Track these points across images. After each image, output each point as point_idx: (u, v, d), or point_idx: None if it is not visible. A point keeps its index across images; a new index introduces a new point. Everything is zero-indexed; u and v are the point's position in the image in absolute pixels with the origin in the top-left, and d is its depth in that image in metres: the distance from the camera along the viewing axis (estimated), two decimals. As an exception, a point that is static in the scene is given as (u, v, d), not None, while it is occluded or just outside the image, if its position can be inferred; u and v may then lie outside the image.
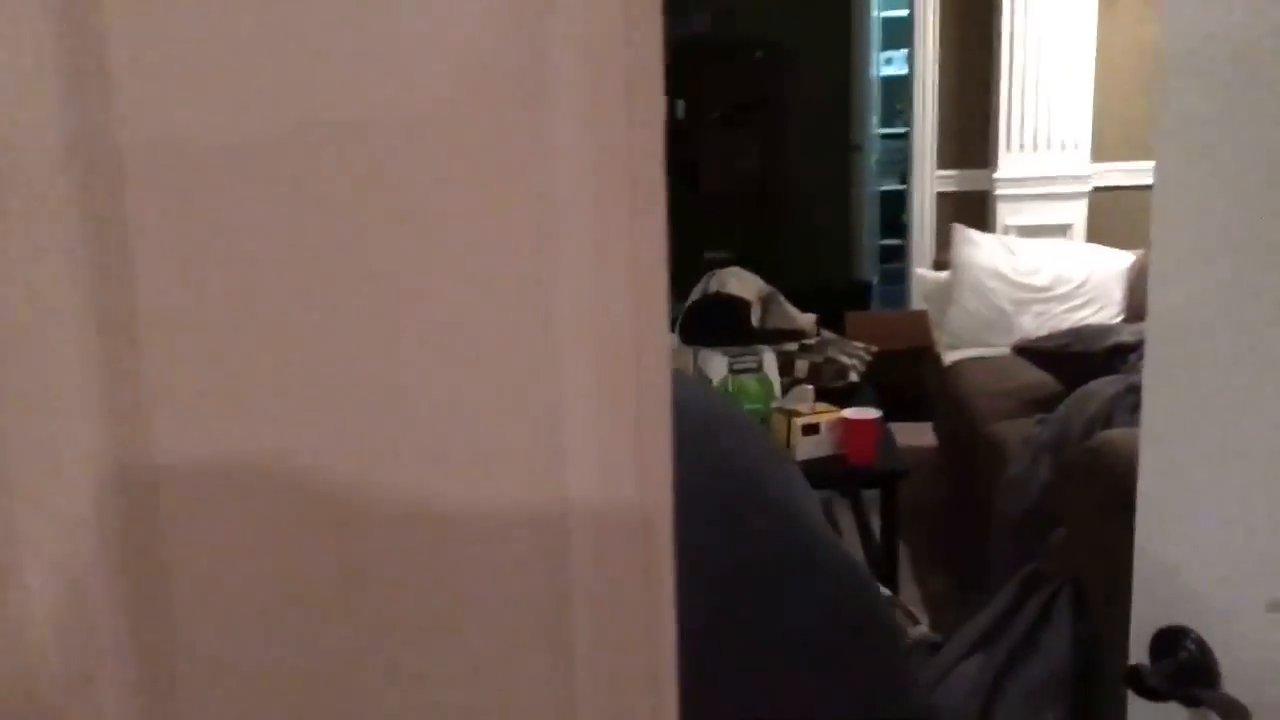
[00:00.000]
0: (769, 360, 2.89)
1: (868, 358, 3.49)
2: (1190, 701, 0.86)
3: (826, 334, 3.94)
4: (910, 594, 2.94)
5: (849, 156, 6.25)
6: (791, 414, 2.75)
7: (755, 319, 3.42)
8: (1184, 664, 0.88)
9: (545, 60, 0.28)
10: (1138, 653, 0.93)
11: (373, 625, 0.30)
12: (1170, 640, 0.90)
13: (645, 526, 0.32)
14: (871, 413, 2.71)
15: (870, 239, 6.18)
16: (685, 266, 5.09)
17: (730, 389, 2.82)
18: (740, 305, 3.12)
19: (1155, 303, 0.87)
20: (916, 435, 4.00)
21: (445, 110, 0.28)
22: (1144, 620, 0.93)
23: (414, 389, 0.29)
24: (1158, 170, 0.87)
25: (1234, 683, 0.86)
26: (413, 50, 0.27)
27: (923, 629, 2.62)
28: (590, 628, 0.31)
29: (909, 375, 4.07)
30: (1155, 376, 0.91)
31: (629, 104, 0.30)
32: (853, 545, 3.28)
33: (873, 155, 6.05)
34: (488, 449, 0.30)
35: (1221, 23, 0.81)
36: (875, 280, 6.09)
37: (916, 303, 4.47)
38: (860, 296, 5.78)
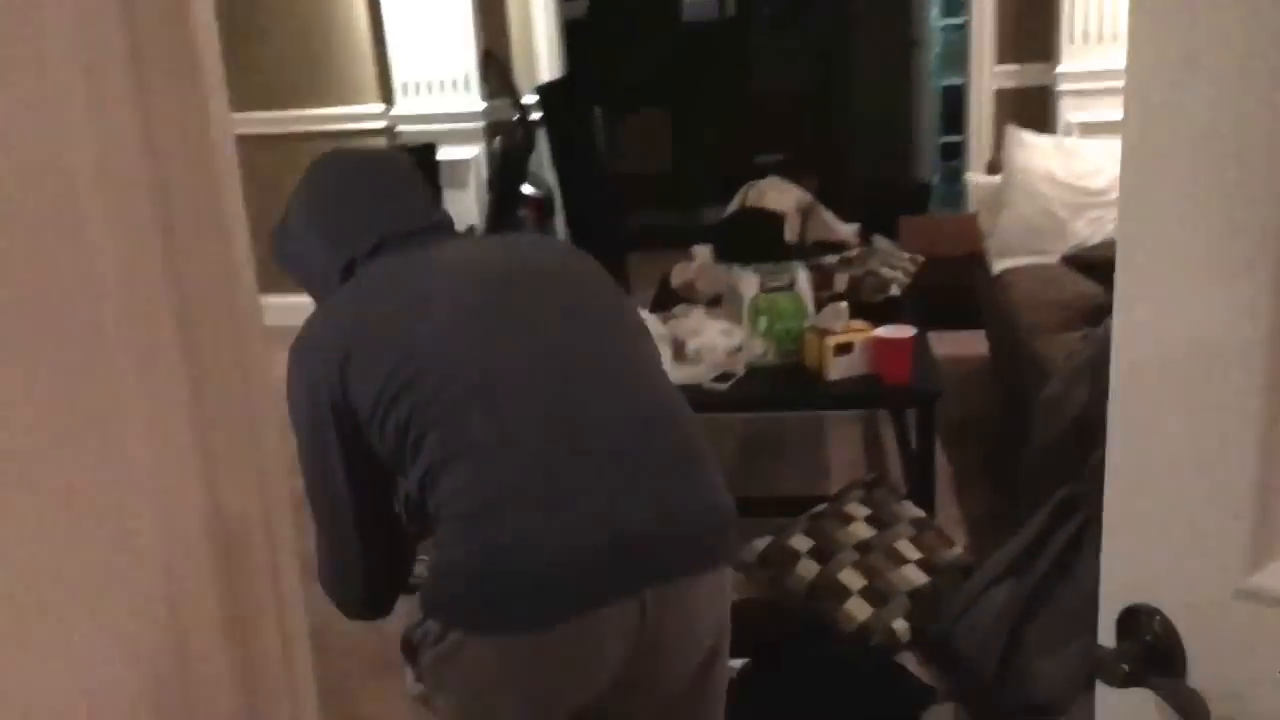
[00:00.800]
0: (802, 277, 2.80)
1: (912, 268, 3.37)
2: (1152, 689, 0.80)
3: (880, 240, 3.80)
4: (950, 514, 2.87)
5: (908, 51, 5.98)
6: (824, 333, 2.67)
7: (794, 232, 3.31)
8: (1149, 647, 0.82)
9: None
10: (1105, 631, 0.86)
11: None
12: (1136, 620, 0.83)
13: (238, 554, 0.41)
14: (906, 330, 2.62)
15: (930, 137, 5.94)
16: (737, 171, 4.92)
17: (762, 307, 2.74)
18: (773, 220, 3.01)
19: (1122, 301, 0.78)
20: (970, 344, 3.87)
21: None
22: (1112, 596, 0.86)
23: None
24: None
25: (1200, 670, 0.79)
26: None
27: (957, 551, 2.57)
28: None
29: (964, 281, 3.92)
30: (1123, 332, 0.83)
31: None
32: (892, 461, 3.22)
33: (934, 50, 5.78)
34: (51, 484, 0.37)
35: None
36: (935, 180, 5.88)
37: (975, 206, 4.29)
38: (920, 198, 5.58)
